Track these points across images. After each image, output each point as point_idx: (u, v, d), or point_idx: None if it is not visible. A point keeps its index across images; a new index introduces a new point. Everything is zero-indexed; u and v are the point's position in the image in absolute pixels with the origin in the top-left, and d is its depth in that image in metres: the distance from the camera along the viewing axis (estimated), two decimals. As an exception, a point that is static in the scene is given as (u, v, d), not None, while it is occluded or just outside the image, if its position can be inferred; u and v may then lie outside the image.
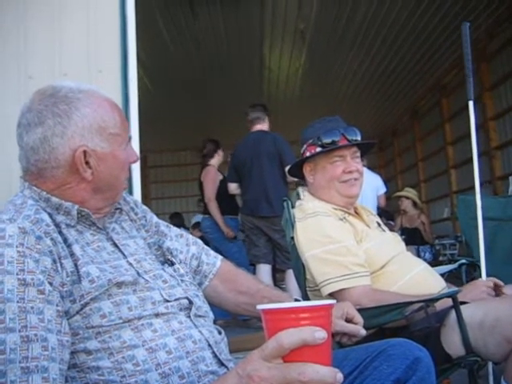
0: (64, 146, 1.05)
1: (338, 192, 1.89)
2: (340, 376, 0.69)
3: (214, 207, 4.80)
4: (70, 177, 1.08)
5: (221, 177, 4.94)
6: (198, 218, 6.67)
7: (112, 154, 1.11)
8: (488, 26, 6.58)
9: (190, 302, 1.11)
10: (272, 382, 0.69)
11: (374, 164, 10.99)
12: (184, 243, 1.36)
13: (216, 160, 5.08)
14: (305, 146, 1.95)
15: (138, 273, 1.08)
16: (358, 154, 1.94)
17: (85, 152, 1.06)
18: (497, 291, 1.73)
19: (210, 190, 4.86)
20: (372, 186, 5.26)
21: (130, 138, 1.19)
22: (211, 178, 4.92)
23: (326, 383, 0.68)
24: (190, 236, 1.42)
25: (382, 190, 5.70)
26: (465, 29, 1.99)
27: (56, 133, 1.05)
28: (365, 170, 2.00)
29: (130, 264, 1.09)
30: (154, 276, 1.11)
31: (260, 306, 0.71)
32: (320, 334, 0.68)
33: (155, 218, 1.34)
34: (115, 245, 1.12)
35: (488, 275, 1.87)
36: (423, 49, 7.12)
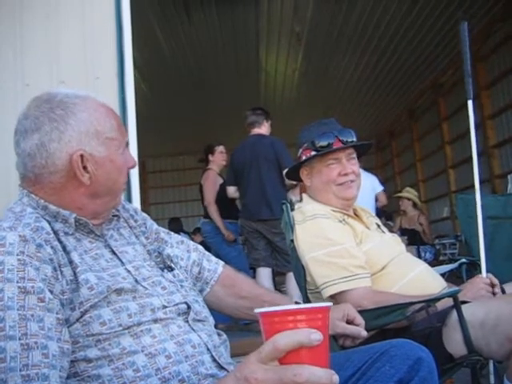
0: (61, 151, 1.05)
1: (334, 195, 1.89)
2: (336, 378, 0.69)
3: (213, 211, 4.81)
4: (67, 182, 1.07)
5: (221, 181, 4.94)
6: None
7: (109, 158, 1.10)
8: (483, 26, 6.60)
9: (189, 307, 1.11)
10: (268, 383, 0.69)
11: (371, 165, 11.02)
12: (185, 250, 1.36)
13: (215, 164, 5.07)
14: (301, 150, 1.96)
15: (136, 280, 1.08)
16: (354, 155, 1.94)
17: (82, 156, 1.06)
18: (493, 289, 1.73)
19: (210, 194, 4.87)
20: (368, 186, 5.26)
21: (127, 144, 1.19)
22: (211, 181, 4.93)
23: None
24: (191, 242, 1.42)
25: (380, 188, 5.71)
26: (463, 28, 1.96)
27: (53, 138, 1.05)
28: (360, 170, 1.99)
29: (129, 271, 1.09)
30: (153, 283, 1.11)
31: (257, 310, 0.72)
32: (316, 336, 0.68)
33: (155, 226, 1.34)
34: (113, 252, 1.12)
35: (488, 273, 1.86)
36: (419, 49, 7.14)
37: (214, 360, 1.06)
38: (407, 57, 7.42)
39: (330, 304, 0.73)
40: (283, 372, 0.68)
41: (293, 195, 4.37)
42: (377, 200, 5.66)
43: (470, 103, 2.00)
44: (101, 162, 1.09)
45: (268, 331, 0.70)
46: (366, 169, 5.97)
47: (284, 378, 0.68)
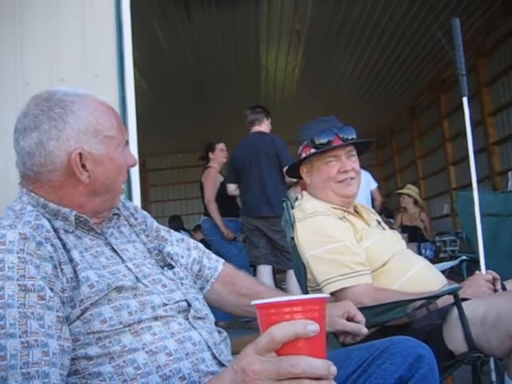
0: (60, 149, 1.05)
1: (334, 192, 1.89)
2: (333, 369, 0.69)
3: (213, 208, 4.82)
4: (66, 180, 1.07)
5: (221, 179, 4.94)
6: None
7: (108, 157, 1.10)
8: (484, 22, 6.58)
9: (189, 305, 1.11)
10: (265, 374, 0.69)
11: (372, 162, 11.02)
12: (185, 248, 1.36)
13: (215, 162, 5.07)
14: (300, 148, 1.96)
15: (136, 278, 1.08)
16: (354, 152, 1.93)
17: (80, 154, 1.06)
18: (495, 285, 1.73)
19: (210, 192, 4.87)
20: (363, 182, 5.28)
21: (127, 142, 1.19)
22: (211, 179, 4.94)
23: (319, 375, 0.68)
24: (192, 240, 1.42)
25: (374, 184, 5.72)
26: (455, 25, 1.95)
27: (51, 136, 1.05)
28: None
29: (129, 269, 1.09)
30: (153, 280, 1.11)
31: (254, 302, 0.72)
32: (312, 327, 0.68)
33: (155, 223, 1.34)
34: (114, 250, 1.12)
35: (489, 270, 1.86)
36: (420, 46, 7.12)
37: (215, 357, 1.06)
38: (407, 54, 7.39)
39: (326, 295, 0.73)
40: (280, 363, 0.68)
41: (294, 193, 4.37)
42: (373, 200, 5.67)
43: (464, 100, 1.99)
44: (100, 160, 1.09)
45: (265, 323, 0.70)
46: (362, 166, 5.99)
47: (281, 369, 0.68)
